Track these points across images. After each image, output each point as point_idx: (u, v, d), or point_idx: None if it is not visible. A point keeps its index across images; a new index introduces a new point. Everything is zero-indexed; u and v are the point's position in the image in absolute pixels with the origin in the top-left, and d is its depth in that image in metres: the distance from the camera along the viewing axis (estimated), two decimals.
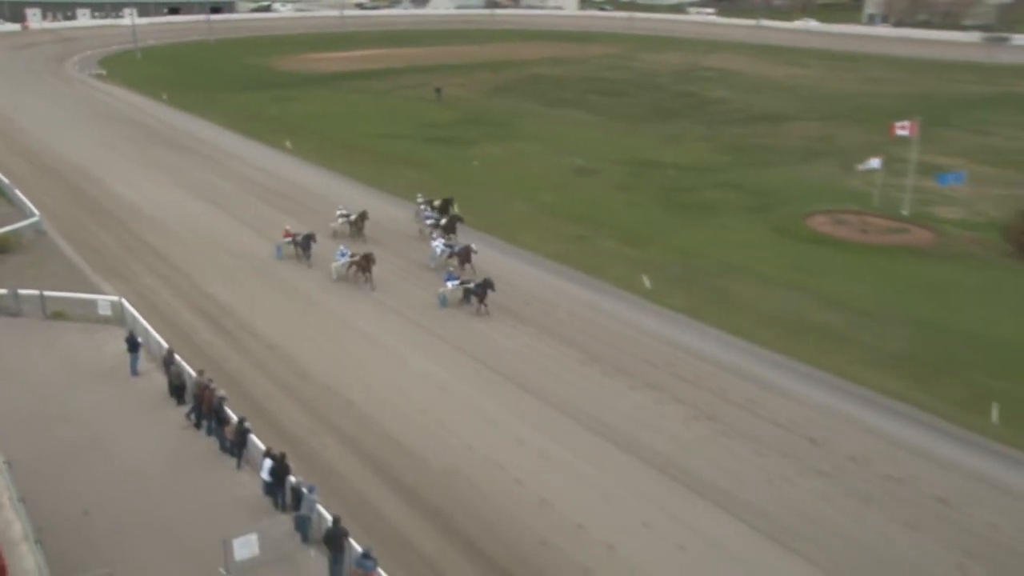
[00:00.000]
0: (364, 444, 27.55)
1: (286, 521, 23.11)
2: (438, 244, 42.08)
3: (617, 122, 79.99)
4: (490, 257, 41.03)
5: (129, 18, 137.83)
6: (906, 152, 54.20)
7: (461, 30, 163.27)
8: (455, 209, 46.76)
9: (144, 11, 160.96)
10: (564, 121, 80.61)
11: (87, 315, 35.42)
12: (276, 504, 24.12)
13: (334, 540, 21.44)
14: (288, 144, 68.10)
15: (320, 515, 22.64)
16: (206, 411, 27.42)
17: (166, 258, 43.46)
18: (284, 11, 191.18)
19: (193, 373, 29.01)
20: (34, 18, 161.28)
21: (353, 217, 46.18)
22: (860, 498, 25.15)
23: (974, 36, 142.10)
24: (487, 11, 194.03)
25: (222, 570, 21.11)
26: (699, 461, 26.74)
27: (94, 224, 48.82)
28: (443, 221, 44.96)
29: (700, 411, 29.61)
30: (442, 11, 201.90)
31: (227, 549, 21.14)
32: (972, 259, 44.52)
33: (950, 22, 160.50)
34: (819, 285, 40.34)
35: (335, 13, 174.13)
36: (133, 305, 35.26)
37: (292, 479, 23.84)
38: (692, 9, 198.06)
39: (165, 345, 31.35)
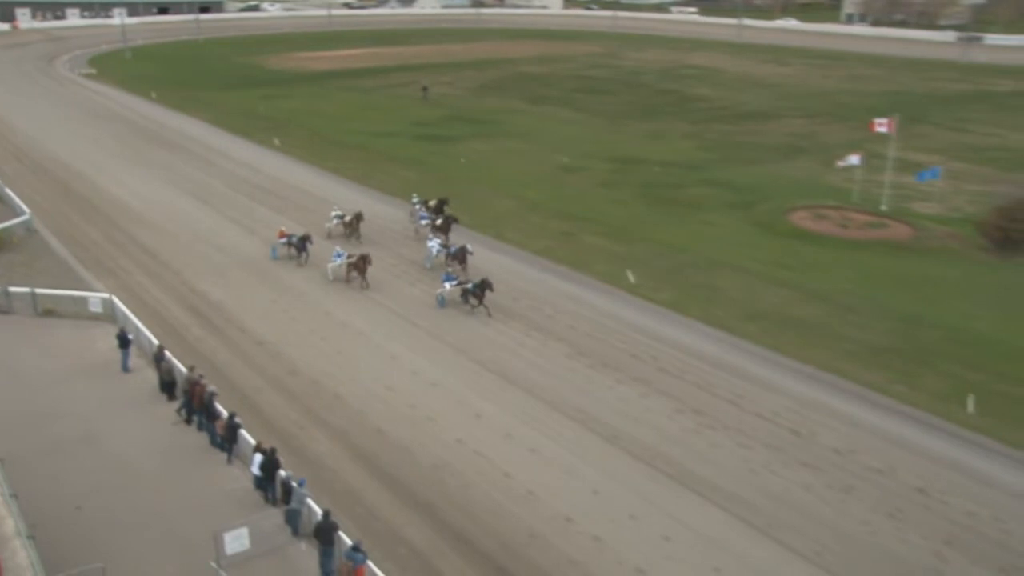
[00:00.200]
0: (354, 438, 27.46)
1: (276, 515, 23.01)
2: (433, 244, 41.62)
3: (602, 119, 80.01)
4: (477, 253, 40.84)
5: (118, 18, 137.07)
6: (885, 148, 54.41)
7: (447, 29, 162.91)
8: (448, 209, 46.22)
9: (133, 11, 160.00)
10: (549, 119, 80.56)
11: (78, 312, 35.23)
12: (266, 498, 24.02)
13: (324, 533, 21.38)
14: (277, 142, 67.79)
15: (310, 508, 22.57)
16: (197, 406, 27.31)
17: (156, 255, 43.19)
18: (272, 10, 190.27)
19: (184, 369, 28.87)
20: (23, 18, 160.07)
21: (348, 218, 45.48)
22: (842, 488, 25.24)
23: (949, 35, 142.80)
24: (473, 10, 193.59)
25: (213, 563, 21.01)
26: (684, 453, 26.78)
27: (84, 222, 48.48)
28: (438, 221, 44.38)
29: (685, 404, 29.64)
30: (428, 10, 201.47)
31: (218, 543, 21.05)
32: (949, 254, 44.74)
33: (926, 22, 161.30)
34: (801, 279, 40.45)
35: (323, 12, 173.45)
36: (124, 302, 35.06)
37: (282, 473, 23.77)
38: (675, 8, 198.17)
39: (156, 341, 31.20)
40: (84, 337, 33.70)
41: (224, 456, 25.95)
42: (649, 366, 32.32)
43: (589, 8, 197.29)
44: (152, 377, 30.20)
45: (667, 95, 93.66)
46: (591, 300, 38.44)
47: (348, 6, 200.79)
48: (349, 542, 20.99)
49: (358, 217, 45.35)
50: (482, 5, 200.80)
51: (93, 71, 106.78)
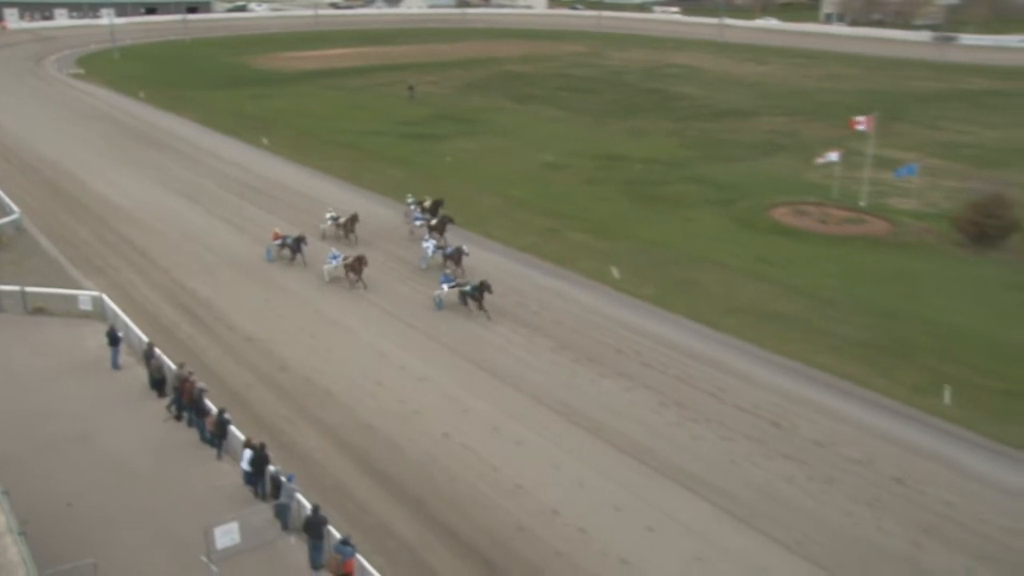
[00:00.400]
0: (342, 434, 27.42)
1: (266, 510, 22.95)
2: (428, 245, 41.14)
3: (586, 118, 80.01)
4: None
5: (107, 18, 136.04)
6: (863, 146, 54.70)
7: (433, 29, 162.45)
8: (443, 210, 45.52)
9: (122, 11, 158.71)
10: (534, 117, 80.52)
11: (68, 310, 35.00)
12: (256, 493, 23.95)
13: (314, 527, 21.36)
14: (265, 141, 67.48)
15: (300, 503, 22.53)
16: (187, 403, 27.19)
17: (146, 254, 42.94)
18: (260, 11, 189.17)
19: (173, 366, 28.72)
20: (11, 18, 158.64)
21: (343, 219, 44.62)
22: (822, 479, 25.38)
23: (925, 35, 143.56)
24: (459, 10, 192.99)
25: (204, 558, 20.94)
26: (668, 445, 26.86)
27: (74, 221, 48.14)
28: (433, 222, 43.70)
29: (668, 397, 29.72)
30: (415, 10, 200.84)
31: (209, 538, 20.98)
32: (925, 248, 45.01)
33: (902, 22, 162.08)
34: (781, 275, 40.60)
35: (309, 12, 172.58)
36: (113, 300, 34.85)
37: (272, 468, 23.68)
38: (657, 8, 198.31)
39: (145, 339, 31.03)
40: (74, 335, 33.48)
41: (214, 452, 25.85)
42: (633, 360, 32.39)
43: (575, 8, 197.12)
44: (142, 374, 30.06)
45: (650, 94, 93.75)
46: (576, 296, 38.48)
47: (335, 6, 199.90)
48: (338, 536, 20.97)
49: (353, 218, 44.49)
50: (468, 5, 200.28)
51: (81, 71, 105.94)
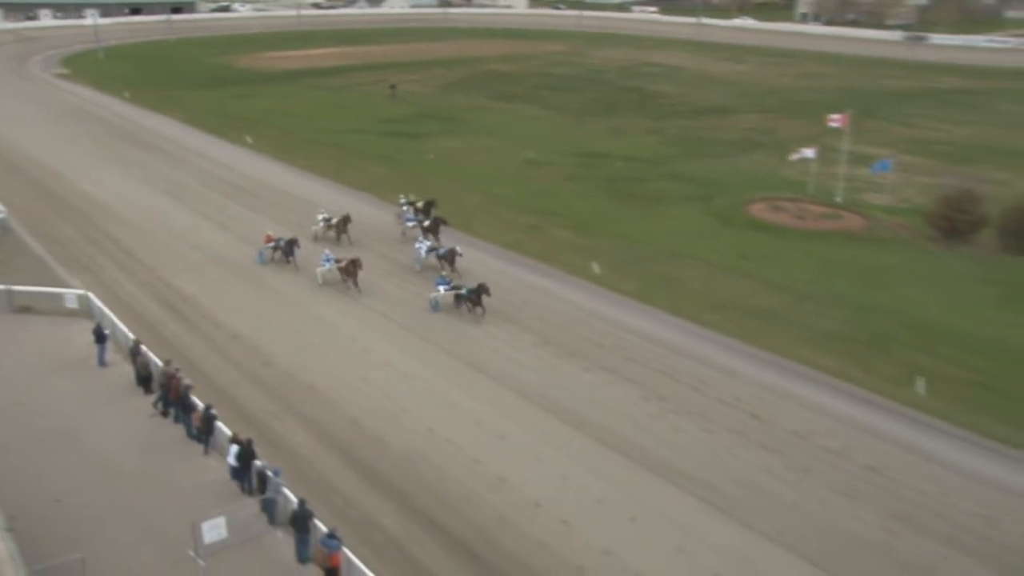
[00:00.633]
0: (328, 429, 27.31)
1: (253, 504, 22.83)
2: (421, 246, 40.47)
3: (567, 116, 79.99)
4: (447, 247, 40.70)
5: (91, 18, 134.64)
6: (838, 142, 54.97)
7: (415, 28, 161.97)
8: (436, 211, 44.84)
9: (106, 11, 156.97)
10: (516, 115, 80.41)
11: (55, 308, 34.68)
12: (243, 488, 23.83)
13: (300, 521, 21.26)
14: (249, 140, 67.09)
15: (286, 497, 22.43)
16: (173, 399, 27.01)
17: (132, 252, 42.61)
18: (243, 11, 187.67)
19: (160, 363, 28.52)
20: None
21: (335, 220, 43.80)
22: (800, 469, 25.51)
23: (897, 35, 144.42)
24: (440, 10, 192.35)
25: (191, 553, 20.82)
26: (649, 438, 26.91)
27: (60, 220, 47.69)
28: (426, 223, 43.02)
29: (650, 391, 29.77)
30: (397, 10, 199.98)
31: (196, 532, 20.84)
32: (899, 243, 45.32)
33: (875, 21, 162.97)
34: (760, 269, 40.75)
35: (292, 13, 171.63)
36: (100, 298, 34.58)
37: (258, 463, 23.59)
38: (636, 8, 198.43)
39: (132, 336, 30.81)
40: (61, 333, 33.18)
41: (201, 447, 25.70)
42: (615, 355, 32.43)
43: (557, 8, 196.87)
44: (129, 371, 29.85)
45: (629, 92, 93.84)
46: (558, 291, 38.48)
47: (317, 6, 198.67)
48: (325, 530, 20.88)
49: (345, 219, 43.54)
50: (449, 5, 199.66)
51: (66, 71, 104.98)
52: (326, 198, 49.87)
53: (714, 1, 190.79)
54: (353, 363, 31.43)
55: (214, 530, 21.10)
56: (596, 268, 40.16)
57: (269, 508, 22.55)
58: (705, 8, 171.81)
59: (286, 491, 22.56)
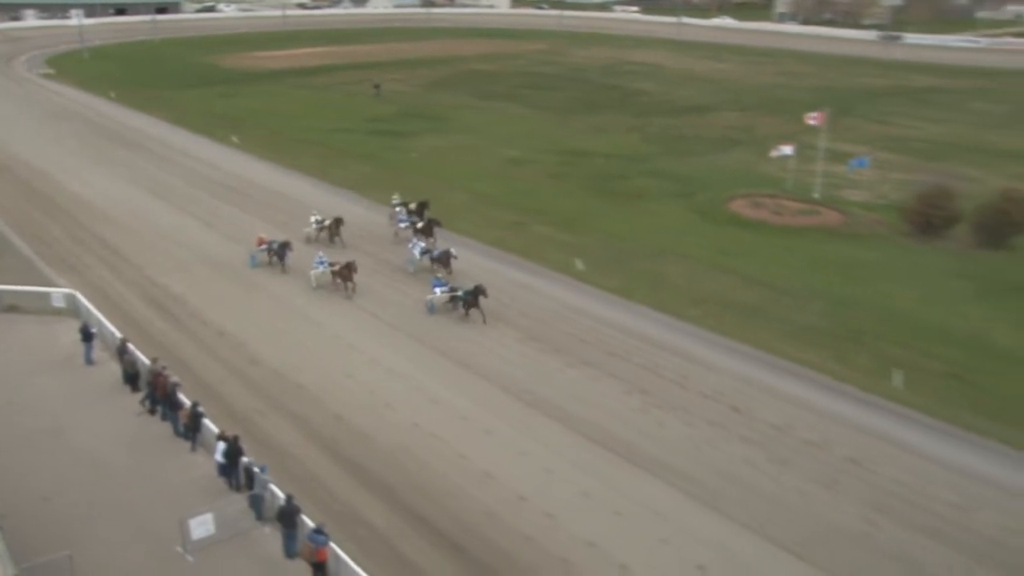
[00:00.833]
0: (314, 425, 27.19)
1: (240, 500, 22.75)
2: (415, 248, 39.91)
3: (549, 114, 79.91)
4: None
5: (76, 18, 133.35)
6: (816, 140, 55.18)
7: (399, 28, 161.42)
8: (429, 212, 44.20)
9: (91, 12, 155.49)
10: (499, 114, 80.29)
11: (41, 307, 34.37)
12: (230, 484, 23.70)
13: (287, 517, 21.20)
14: (235, 139, 66.66)
15: (273, 493, 22.33)
16: (160, 397, 26.82)
17: (118, 251, 42.25)
18: (228, 11, 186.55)
19: (147, 361, 28.31)
20: None
21: (328, 222, 43.06)
22: (780, 461, 25.59)
23: (872, 34, 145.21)
24: (424, 10, 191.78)
25: (179, 549, 20.73)
26: (633, 432, 26.93)
27: (46, 219, 47.23)
28: (420, 224, 42.46)
29: (633, 385, 29.79)
30: (380, 10, 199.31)
31: (184, 529, 20.81)
32: (876, 239, 45.54)
33: (851, 21, 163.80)
34: (740, 265, 40.84)
35: (277, 13, 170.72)
36: (87, 297, 34.28)
37: (245, 460, 23.47)
38: (618, 7, 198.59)
39: (118, 335, 30.55)
40: (48, 332, 32.89)
41: (188, 445, 25.54)
42: (598, 350, 32.43)
43: (539, 7, 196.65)
44: (116, 370, 29.63)
45: (611, 90, 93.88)
46: (542, 288, 38.44)
47: (302, 6, 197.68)
48: (312, 525, 20.80)
49: (337, 221, 42.79)
50: (432, 5, 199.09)
51: (52, 71, 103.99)
52: (313, 197, 49.66)
53: (694, 1, 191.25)
54: (339, 361, 31.29)
55: (202, 526, 21.08)
56: (579, 265, 40.15)
57: (256, 504, 22.44)
58: (685, 8, 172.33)
59: (273, 487, 22.44)
